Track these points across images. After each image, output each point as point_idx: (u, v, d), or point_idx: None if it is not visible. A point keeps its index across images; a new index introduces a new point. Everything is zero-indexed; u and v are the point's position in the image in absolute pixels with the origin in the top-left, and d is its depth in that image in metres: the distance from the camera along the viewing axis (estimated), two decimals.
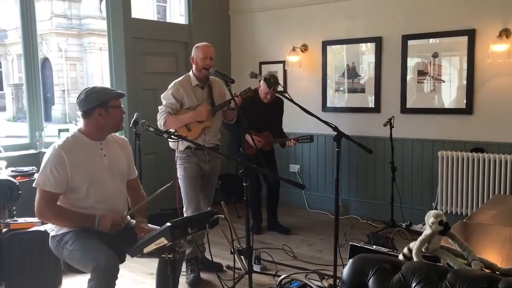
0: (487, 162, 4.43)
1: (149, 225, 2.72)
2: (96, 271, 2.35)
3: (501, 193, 4.35)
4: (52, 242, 2.63)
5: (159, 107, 3.60)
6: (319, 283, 3.17)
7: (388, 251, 2.84)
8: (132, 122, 4.33)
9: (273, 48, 5.77)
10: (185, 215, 3.50)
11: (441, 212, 2.01)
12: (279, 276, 3.46)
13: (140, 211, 2.78)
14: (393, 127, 4.62)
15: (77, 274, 2.80)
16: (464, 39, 4.53)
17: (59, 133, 4.33)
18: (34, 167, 3.93)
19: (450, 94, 4.73)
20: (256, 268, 3.66)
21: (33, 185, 2.55)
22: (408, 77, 4.89)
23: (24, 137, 4.54)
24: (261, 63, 5.87)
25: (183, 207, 3.65)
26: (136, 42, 5.09)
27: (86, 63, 21.92)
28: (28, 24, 4.35)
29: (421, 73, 4.83)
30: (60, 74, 21.37)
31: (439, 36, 4.71)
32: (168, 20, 18.98)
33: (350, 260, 1.91)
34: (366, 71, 5.20)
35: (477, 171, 4.50)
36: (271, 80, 3.95)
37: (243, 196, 2.70)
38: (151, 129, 2.68)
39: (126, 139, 2.94)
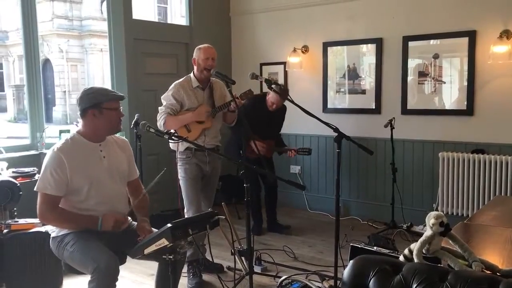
0: (488, 163, 4.43)
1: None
2: (96, 273, 2.35)
3: (502, 194, 4.35)
4: (53, 243, 2.63)
5: (159, 107, 3.60)
6: (319, 284, 3.17)
7: (389, 252, 2.84)
8: (133, 123, 4.34)
9: (274, 49, 5.77)
10: (186, 216, 3.50)
11: (441, 213, 2.01)
12: (280, 277, 3.45)
13: (142, 210, 2.78)
14: (393, 128, 4.62)
15: (78, 275, 2.80)
16: (465, 40, 4.53)
17: (60, 134, 4.33)
18: (35, 168, 3.93)
19: (451, 95, 4.73)
20: (257, 269, 3.67)
21: (34, 189, 2.55)
22: (409, 78, 4.89)
23: (25, 138, 4.53)
24: (262, 64, 5.87)
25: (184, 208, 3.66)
26: (137, 43, 5.10)
27: (87, 64, 21.97)
28: (29, 25, 4.36)
29: (422, 74, 4.83)
30: (61, 75, 21.42)
31: (440, 37, 4.71)
32: (169, 21, 18.99)
33: (351, 261, 1.92)
34: (367, 72, 5.20)
35: (477, 172, 4.50)
36: (284, 89, 4.20)
37: (243, 197, 2.71)
38: (152, 130, 2.68)
39: (127, 140, 2.94)
